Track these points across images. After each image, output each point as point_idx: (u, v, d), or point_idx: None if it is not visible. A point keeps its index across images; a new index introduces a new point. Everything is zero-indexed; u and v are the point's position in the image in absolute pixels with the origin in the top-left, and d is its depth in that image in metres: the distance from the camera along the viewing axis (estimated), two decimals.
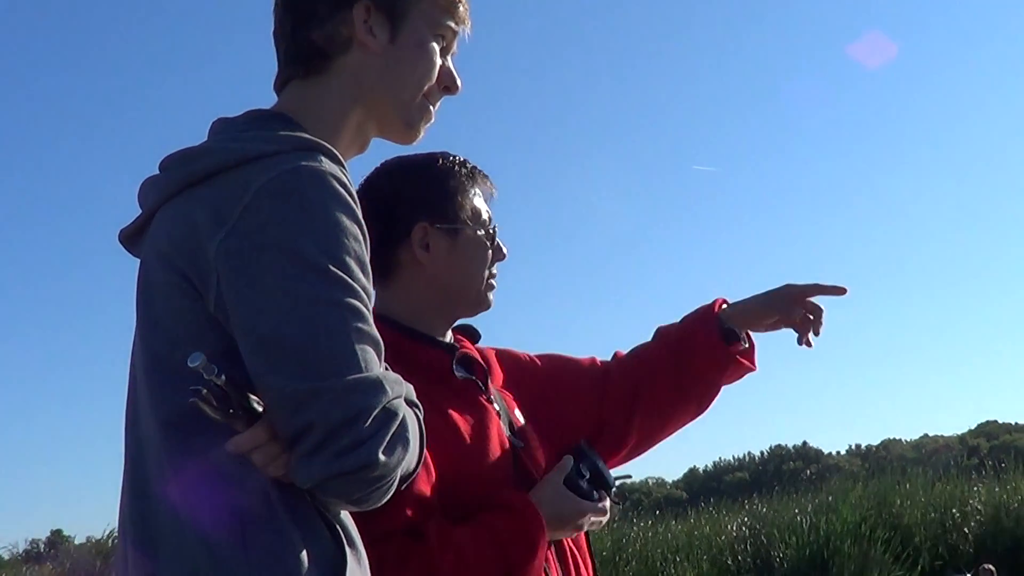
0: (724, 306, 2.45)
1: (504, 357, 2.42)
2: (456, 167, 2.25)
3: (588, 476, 2.19)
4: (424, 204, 2.18)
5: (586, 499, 2.18)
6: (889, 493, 11.16)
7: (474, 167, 2.28)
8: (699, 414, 2.51)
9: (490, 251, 2.24)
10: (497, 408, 2.22)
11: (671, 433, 2.53)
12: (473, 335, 2.33)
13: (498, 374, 2.34)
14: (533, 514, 2.08)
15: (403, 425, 1.46)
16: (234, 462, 1.46)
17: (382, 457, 1.41)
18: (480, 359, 2.27)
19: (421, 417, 1.65)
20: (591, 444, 2.27)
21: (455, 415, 2.07)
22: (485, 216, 2.25)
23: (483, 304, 2.26)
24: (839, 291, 2.43)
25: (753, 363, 2.47)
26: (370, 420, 1.41)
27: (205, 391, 1.39)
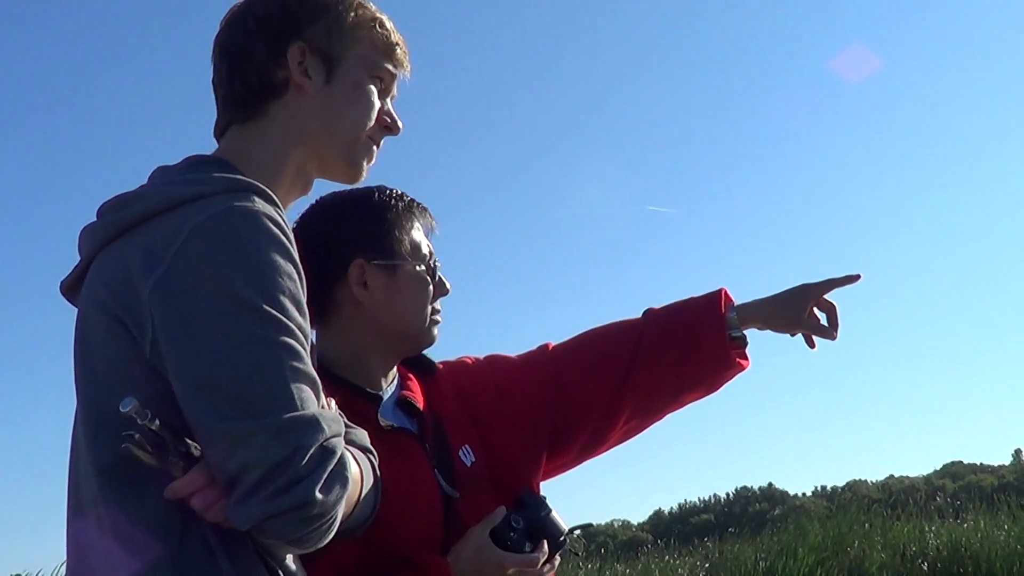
0: (730, 305, 2.39)
1: (456, 371, 2.33)
2: (393, 201, 2.17)
3: (521, 526, 2.10)
4: (360, 240, 2.11)
5: (514, 551, 2.07)
6: (847, 534, 10.95)
7: (412, 200, 2.21)
8: (704, 397, 2.46)
9: (431, 286, 2.17)
10: (433, 458, 2.14)
11: (673, 411, 2.47)
12: (426, 367, 2.26)
13: (446, 402, 2.24)
14: None
15: (341, 463, 1.44)
16: (172, 508, 1.44)
17: (319, 495, 1.39)
18: (422, 400, 2.19)
19: (376, 464, 1.67)
20: (533, 492, 2.19)
21: (380, 468, 1.97)
22: (425, 251, 2.18)
23: (426, 340, 2.19)
24: (853, 280, 2.38)
25: (747, 360, 2.43)
26: (307, 458, 1.39)
27: (138, 436, 1.37)
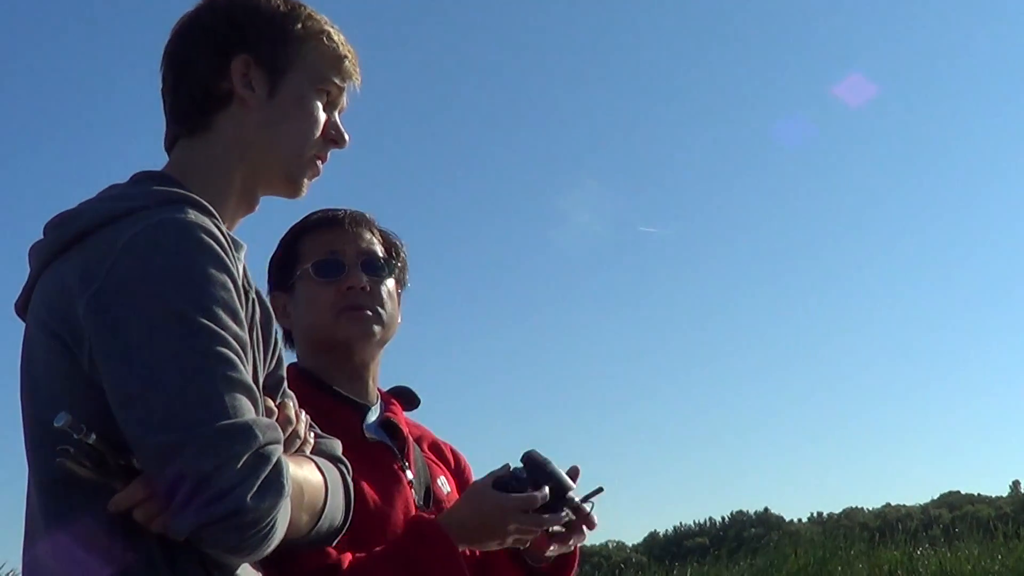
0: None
1: (431, 436, 2.37)
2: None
3: (525, 476, 2.08)
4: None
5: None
6: (830, 559, 10.53)
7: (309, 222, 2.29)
8: None
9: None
10: (411, 478, 2.16)
11: None
12: (411, 400, 2.32)
13: (426, 440, 2.31)
14: (436, 533, 2.02)
15: (277, 470, 1.44)
16: (115, 522, 1.45)
17: (251, 502, 1.39)
18: (405, 427, 2.22)
19: (348, 474, 1.71)
20: (539, 453, 2.13)
21: (358, 474, 1.94)
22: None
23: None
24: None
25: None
26: (239, 466, 1.39)
27: (73, 450, 1.40)
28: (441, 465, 2.32)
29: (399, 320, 2.31)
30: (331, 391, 2.15)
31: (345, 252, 2.22)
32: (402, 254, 2.36)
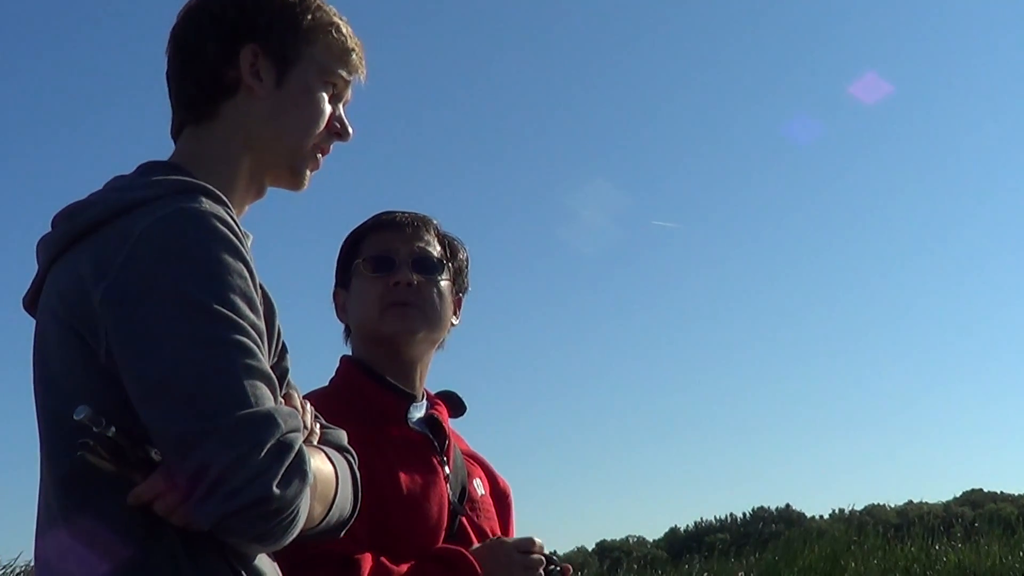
0: None
1: (497, 479, 2.42)
2: None
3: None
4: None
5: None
6: (842, 555, 10.29)
7: None
8: None
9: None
10: (448, 472, 2.22)
11: None
12: (457, 406, 2.36)
13: (465, 447, 2.37)
14: (467, 566, 2.08)
15: (299, 457, 1.44)
16: (135, 515, 1.45)
17: (276, 490, 1.39)
18: (448, 426, 2.29)
19: (355, 463, 1.73)
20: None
21: (397, 462, 2.10)
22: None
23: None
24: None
25: None
26: (263, 454, 1.40)
27: (92, 443, 1.39)
28: (478, 468, 2.37)
29: (453, 322, 2.35)
30: (380, 379, 2.21)
31: (399, 250, 2.27)
32: (460, 257, 2.40)
